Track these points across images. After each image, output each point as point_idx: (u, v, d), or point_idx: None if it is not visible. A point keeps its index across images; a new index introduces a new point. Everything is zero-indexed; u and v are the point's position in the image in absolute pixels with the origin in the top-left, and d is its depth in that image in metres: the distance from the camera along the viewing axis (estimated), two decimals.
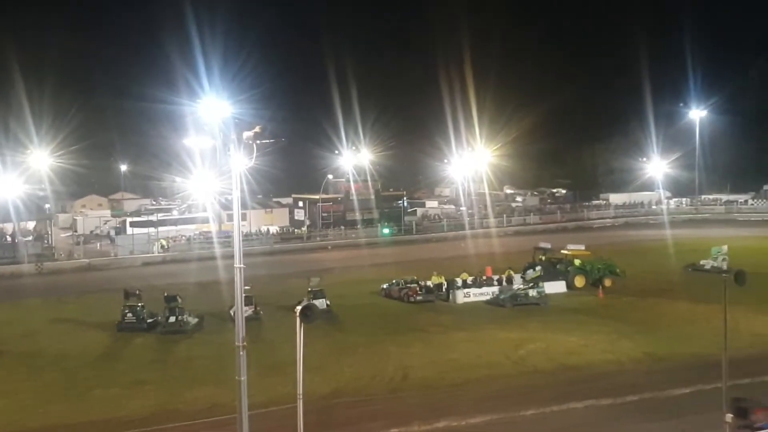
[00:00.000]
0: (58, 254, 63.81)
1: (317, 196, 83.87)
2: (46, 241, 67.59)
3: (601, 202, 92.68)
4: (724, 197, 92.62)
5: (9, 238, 65.52)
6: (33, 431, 23.92)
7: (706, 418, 20.54)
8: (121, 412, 25.07)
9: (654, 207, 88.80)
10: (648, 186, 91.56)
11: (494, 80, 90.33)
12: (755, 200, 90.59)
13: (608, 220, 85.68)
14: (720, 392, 18.91)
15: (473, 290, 42.94)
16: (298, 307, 14.94)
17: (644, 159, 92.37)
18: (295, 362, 14.52)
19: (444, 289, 43.26)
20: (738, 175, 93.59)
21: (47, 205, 72.09)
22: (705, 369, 25.44)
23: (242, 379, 14.24)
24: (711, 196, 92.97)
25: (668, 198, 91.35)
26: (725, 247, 49.98)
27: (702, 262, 49.86)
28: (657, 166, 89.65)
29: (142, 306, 37.39)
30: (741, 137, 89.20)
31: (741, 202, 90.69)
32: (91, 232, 74.04)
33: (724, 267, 46.57)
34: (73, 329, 37.65)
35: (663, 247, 60.65)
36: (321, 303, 37.51)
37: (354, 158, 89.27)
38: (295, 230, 76.94)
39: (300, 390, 14.12)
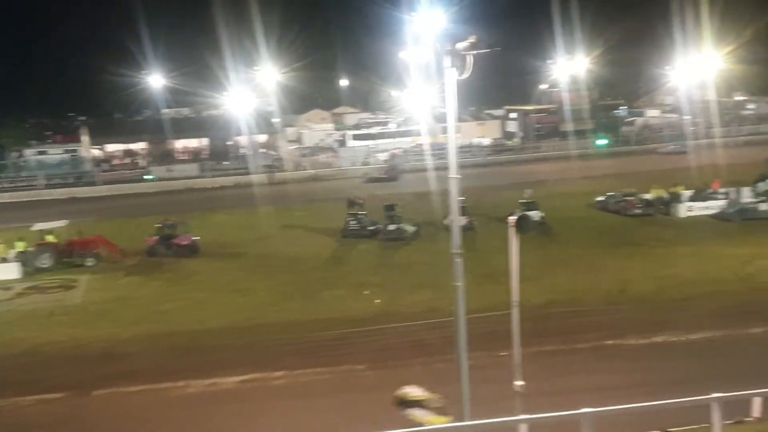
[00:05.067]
0: (286, 165, 68.43)
1: (530, 107, 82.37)
2: (275, 154, 72.61)
3: None
4: None
5: (243, 151, 71.11)
6: (271, 325, 26.48)
7: None
8: (347, 312, 27.06)
9: None
10: None
11: None
12: None
13: None
14: None
15: (697, 204, 40.83)
16: (512, 218, 15.18)
17: None
18: (508, 272, 14.90)
19: (665, 203, 41.55)
20: None
21: (275, 120, 76.79)
22: None
23: (459, 284, 14.82)
24: None
25: None
26: None
27: None
28: None
29: (365, 214, 39.52)
30: None
31: None
32: (316, 144, 78.28)
33: None
34: (302, 235, 40.64)
35: None
36: (535, 215, 37.54)
37: (568, 67, 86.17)
38: (507, 142, 76.45)
39: (515, 297, 14.50)
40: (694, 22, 78.62)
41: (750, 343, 22.19)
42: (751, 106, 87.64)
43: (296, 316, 27.07)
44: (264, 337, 25.00)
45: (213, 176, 66.01)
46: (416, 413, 13.90)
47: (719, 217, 39.48)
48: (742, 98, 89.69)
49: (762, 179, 42.71)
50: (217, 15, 76.59)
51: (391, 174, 60.51)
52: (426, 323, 24.77)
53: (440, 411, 13.84)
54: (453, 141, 16.08)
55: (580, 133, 74.30)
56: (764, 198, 39.83)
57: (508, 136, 79.87)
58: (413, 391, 14.19)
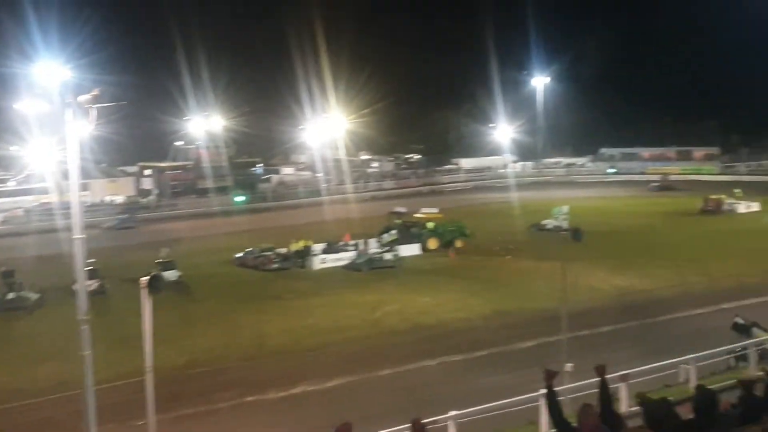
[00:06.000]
0: None
1: (165, 164, 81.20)
2: None
3: (452, 166, 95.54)
4: (565, 160, 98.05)
5: None
6: None
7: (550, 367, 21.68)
8: None
9: (501, 171, 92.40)
10: (496, 151, 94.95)
11: (347, 48, 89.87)
12: (593, 162, 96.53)
13: (459, 184, 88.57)
14: (561, 343, 19.98)
15: (330, 256, 43.12)
16: (144, 278, 14.41)
17: (492, 125, 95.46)
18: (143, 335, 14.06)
19: (301, 256, 43.19)
20: (578, 138, 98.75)
21: None
22: (548, 322, 26.69)
23: (87, 353, 13.63)
24: (553, 160, 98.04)
25: (514, 162, 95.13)
26: (566, 208, 52.72)
27: (544, 222, 52.41)
28: (503, 131, 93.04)
29: None
30: (580, 102, 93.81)
31: (580, 164, 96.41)
32: None
33: (565, 226, 49.12)
34: None
35: (509, 208, 63.00)
36: (172, 274, 36.65)
37: (205, 124, 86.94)
38: (141, 200, 74.28)
39: (149, 362, 13.67)
40: (322, 87, 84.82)
41: (380, 385, 23.69)
42: (374, 164, 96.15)
43: None
44: None
45: None
46: (758, 331, 19.07)
47: (350, 267, 42.04)
48: (367, 157, 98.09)
49: (386, 231, 46.72)
50: None
51: None
52: (54, 398, 22.52)
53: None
54: (76, 199, 14.98)
55: (218, 190, 74.92)
56: (388, 248, 43.48)
57: (143, 193, 77.58)
58: (739, 319, 19.96)
